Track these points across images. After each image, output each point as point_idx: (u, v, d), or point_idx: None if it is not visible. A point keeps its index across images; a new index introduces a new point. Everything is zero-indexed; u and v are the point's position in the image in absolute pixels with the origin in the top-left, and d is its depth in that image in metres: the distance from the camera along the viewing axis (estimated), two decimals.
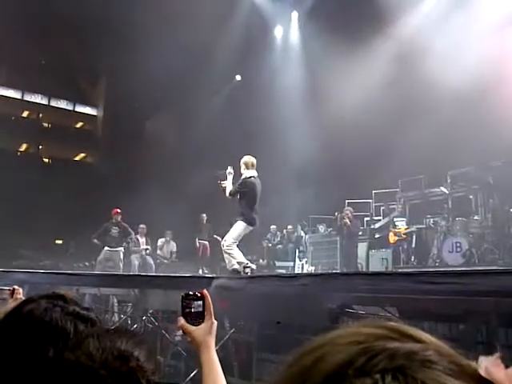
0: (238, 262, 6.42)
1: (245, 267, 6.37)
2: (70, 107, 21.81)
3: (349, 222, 10.46)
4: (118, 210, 10.83)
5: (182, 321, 1.42)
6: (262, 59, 15.67)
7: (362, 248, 10.88)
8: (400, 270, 8.57)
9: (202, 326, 1.41)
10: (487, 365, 0.44)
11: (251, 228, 6.70)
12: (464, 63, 9.88)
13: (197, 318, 1.42)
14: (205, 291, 1.46)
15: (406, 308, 3.20)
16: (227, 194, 6.76)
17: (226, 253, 6.53)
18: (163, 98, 18.13)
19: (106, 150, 20.26)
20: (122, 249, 10.71)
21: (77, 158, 22.34)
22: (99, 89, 21.27)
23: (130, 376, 0.78)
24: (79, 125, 22.59)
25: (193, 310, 1.42)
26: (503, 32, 11.05)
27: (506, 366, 0.44)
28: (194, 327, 1.40)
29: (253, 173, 6.72)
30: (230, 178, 6.86)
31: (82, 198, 15.35)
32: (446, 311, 2.89)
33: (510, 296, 2.45)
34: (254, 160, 6.82)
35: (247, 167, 6.72)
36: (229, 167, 6.94)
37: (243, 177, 6.71)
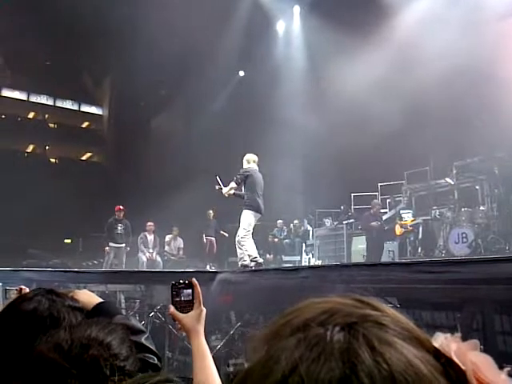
0: (247, 255, 6.52)
1: (252, 260, 6.46)
2: (75, 107, 21.94)
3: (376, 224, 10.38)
4: (121, 207, 10.91)
5: (171, 308, 1.47)
6: (265, 54, 15.67)
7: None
8: (398, 260, 8.56)
9: (191, 313, 1.46)
10: (443, 338, 0.47)
11: (259, 215, 6.86)
12: (466, 53, 9.82)
13: (186, 306, 1.47)
14: (194, 280, 1.51)
15: (405, 297, 3.23)
16: (233, 185, 6.92)
17: (240, 245, 6.64)
18: (168, 95, 18.20)
19: (112, 149, 20.38)
20: (124, 245, 10.78)
21: (83, 158, 22.49)
22: (104, 88, 21.35)
23: (92, 363, 0.80)
24: (85, 124, 22.72)
25: (182, 298, 1.48)
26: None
27: None
28: (183, 314, 1.46)
29: (253, 166, 7.04)
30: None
31: (90, 196, 15.46)
32: (443, 300, 2.92)
33: (504, 283, 2.47)
34: (255, 157, 7.14)
35: (248, 162, 7.07)
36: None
37: (247, 168, 7.02)
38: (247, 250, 6.57)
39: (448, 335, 0.47)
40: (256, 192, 6.81)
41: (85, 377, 0.78)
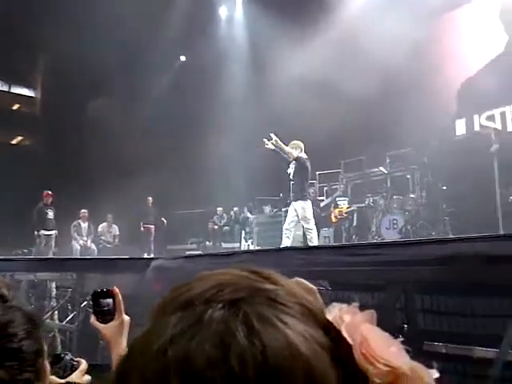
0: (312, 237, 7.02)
1: None
2: (5, 88, 20.74)
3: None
4: (49, 193, 10.60)
5: (92, 318, 1.42)
6: (207, 39, 15.48)
7: None
8: (330, 244, 8.84)
9: (112, 323, 1.41)
10: (337, 310, 0.45)
11: None
12: (403, 46, 10.15)
13: (107, 316, 1.41)
14: (115, 288, 1.44)
15: (336, 280, 3.32)
16: (292, 154, 7.02)
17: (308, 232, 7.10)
18: (106, 80, 17.55)
19: (45, 133, 19.45)
20: (56, 232, 10.47)
21: (13, 142, 21.34)
22: (37, 69, 20.30)
23: None
24: (16, 106, 21.53)
25: (103, 308, 1.42)
26: (446, 14, 11.43)
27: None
28: (103, 325, 1.40)
29: (304, 155, 7.20)
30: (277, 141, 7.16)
31: (21, 183, 14.70)
32: (369, 281, 3.03)
33: (424, 264, 2.60)
34: (302, 145, 7.27)
35: (301, 151, 7.21)
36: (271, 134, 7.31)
37: (301, 155, 7.11)
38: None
39: (344, 306, 0.45)
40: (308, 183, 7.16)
41: None
